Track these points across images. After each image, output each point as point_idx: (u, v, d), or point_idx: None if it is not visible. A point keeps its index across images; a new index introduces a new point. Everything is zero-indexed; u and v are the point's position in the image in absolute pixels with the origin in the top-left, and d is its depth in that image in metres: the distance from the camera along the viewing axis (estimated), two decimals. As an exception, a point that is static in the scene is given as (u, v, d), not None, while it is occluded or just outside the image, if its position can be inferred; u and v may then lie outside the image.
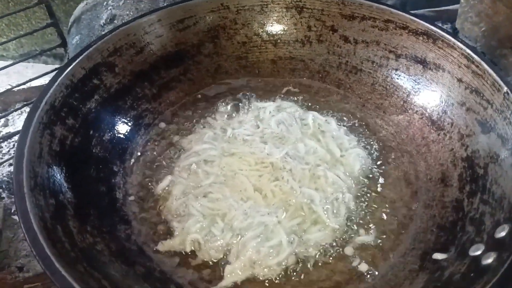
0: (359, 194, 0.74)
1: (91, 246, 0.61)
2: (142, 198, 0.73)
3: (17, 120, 1.26)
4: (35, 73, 1.06)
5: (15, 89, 1.15)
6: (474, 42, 1.29)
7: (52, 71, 1.07)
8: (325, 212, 0.69)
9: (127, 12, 1.01)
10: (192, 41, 0.90)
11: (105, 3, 1.04)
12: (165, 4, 1.01)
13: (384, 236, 0.69)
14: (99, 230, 0.65)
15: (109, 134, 0.79)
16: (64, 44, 1.10)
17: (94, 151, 0.75)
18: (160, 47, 0.87)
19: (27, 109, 1.27)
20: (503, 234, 0.57)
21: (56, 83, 0.71)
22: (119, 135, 0.80)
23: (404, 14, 0.84)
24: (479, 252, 0.58)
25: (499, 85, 0.70)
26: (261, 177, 0.74)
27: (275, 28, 0.93)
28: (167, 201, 0.72)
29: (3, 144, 1.20)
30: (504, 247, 0.54)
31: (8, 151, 1.21)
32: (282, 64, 0.95)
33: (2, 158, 1.18)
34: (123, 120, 0.82)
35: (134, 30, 0.84)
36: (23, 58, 1.10)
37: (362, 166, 0.77)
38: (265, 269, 0.64)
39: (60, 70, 0.73)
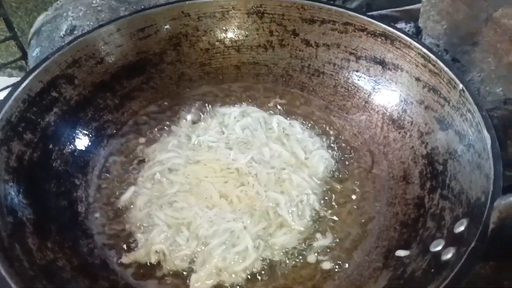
0: (323, 195, 0.74)
1: (52, 263, 0.60)
2: (105, 211, 0.72)
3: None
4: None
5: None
6: (437, 39, 1.31)
7: (12, 84, 1.05)
8: (290, 215, 0.69)
9: (87, 23, 0.99)
10: (154, 50, 0.90)
11: (65, 14, 1.02)
12: (126, 13, 1.01)
13: (349, 236, 0.69)
14: (61, 246, 0.63)
15: (70, 147, 0.77)
16: (24, 57, 1.08)
17: (54, 165, 0.73)
18: (121, 57, 0.87)
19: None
20: (461, 228, 0.58)
21: (12, 98, 0.70)
22: (80, 147, 0.79)
23: (362, 16, 0.85)
24: (439, 248, 0.58)
25: (455, 83, 0.71)
26: (227, 183, 0.74)
27: (237, 34, 0.94)
28: (130, 213, 0.71)
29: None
30: (462, 241, 0.55)
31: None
32: (246, 69, 0.95)
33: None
34: (85, 132, 0.80)
35: (93, 41, 0.83)
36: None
37: (326, 167, 0.77)
38: (232, 276, 0.63)
39: (17, 85, 0.72)
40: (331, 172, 0.78)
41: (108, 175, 0.77)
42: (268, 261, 0.66)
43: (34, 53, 1.02)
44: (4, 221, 0.58)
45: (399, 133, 0.80)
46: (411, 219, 0.68)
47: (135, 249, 0.67)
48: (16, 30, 1.10)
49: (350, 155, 0.81)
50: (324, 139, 0.83)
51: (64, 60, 0.79)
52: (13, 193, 0.64)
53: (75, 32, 0.99)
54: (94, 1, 1.03)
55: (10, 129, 0.68)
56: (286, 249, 0.67)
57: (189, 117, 0.87)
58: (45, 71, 0.76)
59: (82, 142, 0.79)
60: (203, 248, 0.66)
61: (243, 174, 0.74)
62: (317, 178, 0.76)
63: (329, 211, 0.72)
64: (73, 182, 0.74)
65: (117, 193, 0.74)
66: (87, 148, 0.79)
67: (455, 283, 0.49)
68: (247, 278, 0.64)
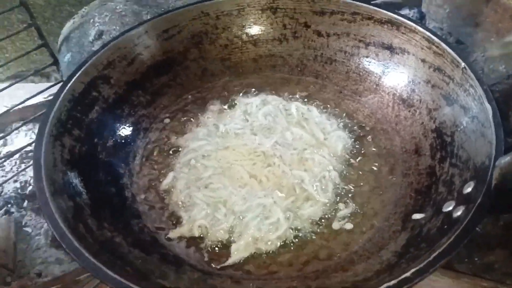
0: (344, 171, 0.82)
1: (111, 240, 0.68)
2: (149, 195, 0.80)
3: (15, 139, 1.32)
4: (26, 93, 1.12)
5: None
6: (440, 23, 1.38)
7: (46, 89, 1.14)
8: (315, 190, 0.77)
9: (114, 27, 1.08)
10: (178, 48, 0.98)
11: (92, 20, 1.10)
12: (148, 17, 1.09)
13: (369, 205, 0.77)
14: (115, 226, 0.71)
15: (112, 140, 0.86)
16: (56, 62, 1.16)
17: (100, 156, 0.82)
18: (150, 57, 0.95)
19: (24, 127, 1.35)
20: (469, 189, 0.65)
21: (60, 98, 0.78)
22: (120, 140, 0.87)
23: (368, 6, 0.92)
24: (450, 208, 0.66)
25: (458, 62, 0.79)
26: (255, 165, 0.82)
27: (253, 29, 1.01)
28: (172, 195, 0.79)
29: (5, 163, 1.27)
30: (470, 200, 0.62)
31: (11, 168, 1.27)
32: (263, 62, 1.02)
33: (6, 176, 1.25)
34: (123, 126, 0.89)
35: (124, 44, 0.91)
36: (19, 79, 1.16)
37: (344, 146, 0.85)
38: (267, 243, 0.71)
39: (62, 86, 0.80)
40: (349, 150, 0.85)
41: (148, 163, 0.86)
42: (297, 230, 0.74)
43: (65, 59, 1.10)
44: (67, 206, 0.67)
45: (409, 111, 0.87)
46: (425, 187, 0.76)
47: (180, 225, 0.75)
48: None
49: (366, 134, 0.88)
50: (340, 121, 0.91)
51: (100, 62, 0.87)
52: (70, 182, 0.72)
53: (103, 36, 1.07)
54: (118, 7, 1.11)
55: (60, 126, 0.76)
56: (313, 219, 0.75)
57: (215, 108, 0.95)
58: (85, 73, 0.84)
59: (121, 135, 0.88)
60: (239, 221, 0.74)
61: (269, 156, 0.82)
62: (336, 156, 0.84)
63: (350, 185, 0.80)
64: (118, 171, 0.83)
65: (158, 179, 0.83)
66: (126, 140, 0.88)
67: (466, 234, 0.56)
68: (280, 245, 0.72)
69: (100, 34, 1.08)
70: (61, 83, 0.82)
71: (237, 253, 0.71)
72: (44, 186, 0.65)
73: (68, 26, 1.15)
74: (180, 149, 0.87)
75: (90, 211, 0.71)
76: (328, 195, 0.77)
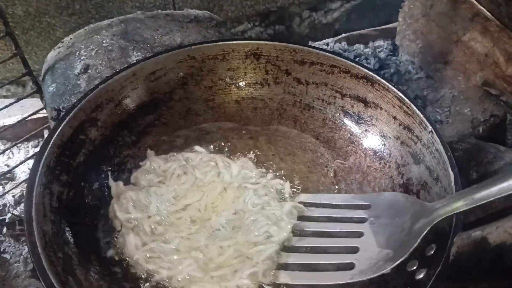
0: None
1: (97, 289, 0.72)
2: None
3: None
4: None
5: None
6: (412, 57, 1.46)
7: (28, 116, 1.15)
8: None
9: (100, 62, 1.10)
10: (164, 89, 1.01)
11: (78, 53, 1.12)
12: (134, 52, 1.12)
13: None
14: (101, 274, 0.75)
15: (97, 183, 0.88)
16: (39, 90, 1.18)
17: (86, 200, 0.85)
18: (136, 98, 0.98)
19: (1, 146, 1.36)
20: (431, 252, 0.71)
21: (50, 145, 0.80)
22: (106, 182, 0.90)
23: (346, 60, 0.98)
24: (414, 268, 0.72)
25: (426, 124, 0.85)
26: (193, 223, 0.83)
27: (237, 73, 1.06)
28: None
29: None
30: (431, 264, 0.69)
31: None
32: (245, 104, 1.07)
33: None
34: (108, 168, 0.91)
35: (112, 86, 0.93)
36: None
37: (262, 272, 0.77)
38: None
39: (51, 132, 0.83)
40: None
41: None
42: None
43: (49, 89, 1.11)
44: (57, 257, 0.70)
45: (380, 163, 0.94)
46: (391, 241, 0.82)
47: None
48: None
49: (339, 183, 0.94)
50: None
51: (88, 106, 0.89)
52: (58, 231, 0.75)
53: (89, 70, 1.09)
54: (104, 41, 1.13)
55: (50, 173, 0.79)
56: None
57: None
58: (74, 118, 0.86)
59: (107, 177, 0.90)
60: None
61: (208, 225, 0.83)
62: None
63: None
64: (104, 214, 0.86)
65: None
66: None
67: (426, 301, 0.63)
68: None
69: (86, 68, 1.10)
70: (53, 123, 0.84)
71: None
72: (36, 240, 0.68)
73: (53, 55, 1.16)
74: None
75: (78, 260, 0.74)
76: None
